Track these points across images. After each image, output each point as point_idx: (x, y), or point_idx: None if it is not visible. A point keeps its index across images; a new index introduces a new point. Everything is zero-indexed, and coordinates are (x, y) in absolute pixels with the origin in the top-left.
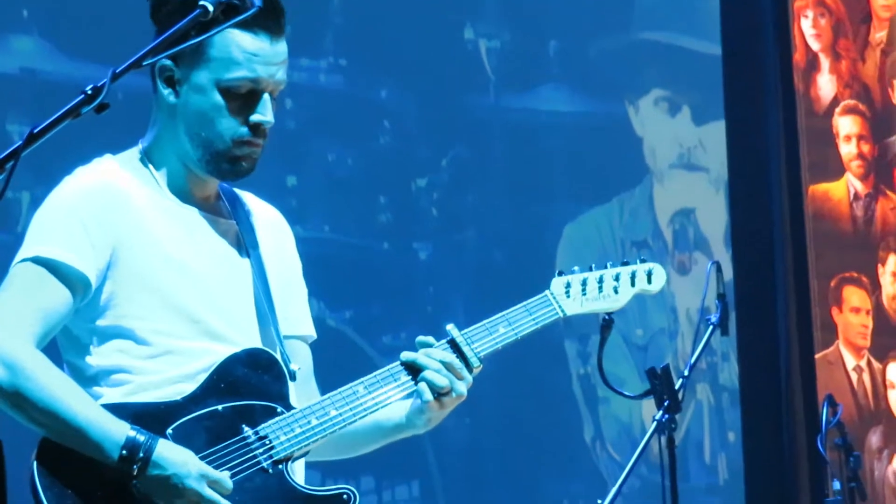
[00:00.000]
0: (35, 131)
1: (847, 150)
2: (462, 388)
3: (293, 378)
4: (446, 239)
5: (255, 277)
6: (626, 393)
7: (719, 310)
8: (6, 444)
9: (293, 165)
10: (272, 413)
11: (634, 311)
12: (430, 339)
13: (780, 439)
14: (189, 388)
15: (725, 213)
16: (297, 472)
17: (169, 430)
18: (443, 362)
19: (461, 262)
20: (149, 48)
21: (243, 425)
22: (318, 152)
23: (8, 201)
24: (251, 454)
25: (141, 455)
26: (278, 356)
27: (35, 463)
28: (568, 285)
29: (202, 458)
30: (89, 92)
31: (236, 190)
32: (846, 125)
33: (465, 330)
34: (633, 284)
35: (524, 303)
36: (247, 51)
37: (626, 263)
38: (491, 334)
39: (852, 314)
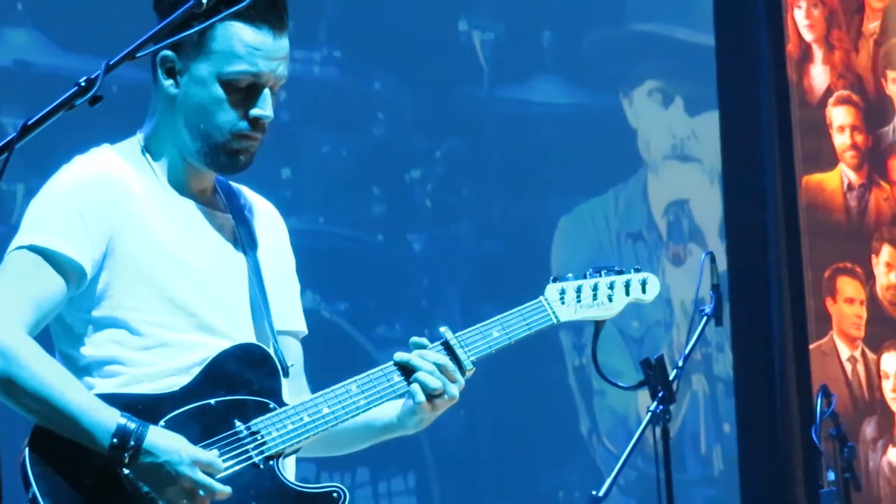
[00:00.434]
0: (29, 123)
1: (841, 140)
2: (454, 390)
3: (287, 374)
4: (441, 231)
5: (251, 272)
6: (621, 384)
7: (713, 300)
8: None
9: (287, 157)
10: (264, 409)
11: (630, 304)
12: (424, 340)
13: (775, 430)
14: (182, 381)
15: (719, 203)
16: (289, 469)
17: (161, 423)
18: (436, 364)
19: (455, 253)
20: (142, 40)
21: (235, 420)
22: (312, 144)
23: (2, 193)
24: (242, 449)
25: (132, 443)
26: (272, 351)
27: (27, 450)
28: (562, 292)
29: None
30: (83, 84)
31: (232, 183)
32: (840, 116)
33: (459, 333)
34: (627, 293)
35: (519, 308)
36: (249, 44)
37: (620, 272)
38: (485, 338)
39: (846, 305)
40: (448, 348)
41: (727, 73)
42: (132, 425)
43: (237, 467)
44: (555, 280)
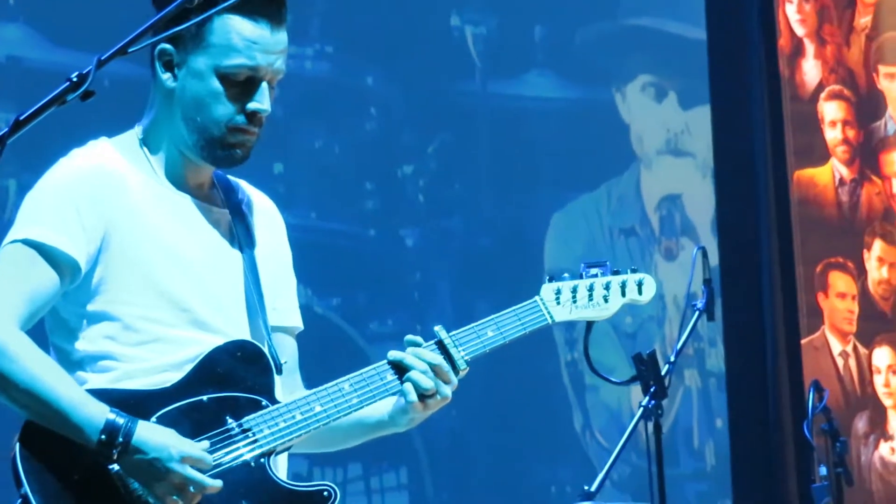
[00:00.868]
0: (21, 119)
1: (832, 135)
2: (447, 390)
3: (280, 371)
4: (433, 226)
5: (246, 268)
6: (612, 379)
7: (705, 295)
8: None
9: (280, 152)
10: (257, 406)
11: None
12: (419, 338)
13: (767, 425)
14: (175, 377)
15: (712, 198)
16: (280, 466)
17: (153, 419)
18: (430, 364)
19: (448, 248)
20: (134, 35)
21: (227, 417)
22: (304, 139)
23: None
24: (234, 446)
25: (120, 439)
26: (266, 349)
27: (18, 446)
28: (558, 291)
29: None
30: (74, 79)
31: (230, 178)
32: (831, 110)
33: (454, 332)
34: (623, 294)
35: (514, 307)
36: (247, 38)
37: (616, 272)
38: (479, 337)
39: (838, 299)
40: (442, 347)
41: (719, 68)
42: (121, 421)
43: (228, 465)
44: (550, 279)
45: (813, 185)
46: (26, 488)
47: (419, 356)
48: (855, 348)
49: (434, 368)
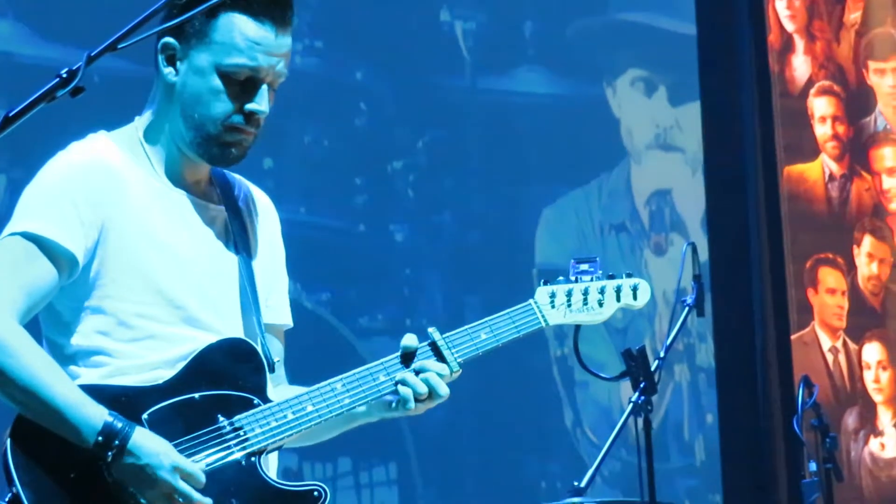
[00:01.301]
0: (10, 115)
1: (822, 131)
2: (444, 390)
3: (273, 370)
4: (423, 221)
5: (241, 266)
6: (602, 375)
7: (695, 291)
8: None
9: (269, 147)
10: (248, 405)
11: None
12: (414, 339)
13: (757, 420)
14: (167, 374)
15: (702, 194)
16: (271, 464)
17: (144, 416)
18: (440, 375)
19: (437, 244)
20: (124, 31)
21: (219, 415)
22: (294, 134)
23: None
24: (224, 445)
25: (116, 443)
26: (259, 347)
27: (9, 441)
28: (553, 295)
29: (176, 446)
30: (64, 75)
31: (227, 173)
32: (821, 106)
33: (447, 334)
34: (618, 299)
35: (508, 310)
36: (250, 38)
37: (611, 276)
38: (472, 339)
39: (828, 295)
40: (435, 349)
41: (709, 64)
42: (119, 424)
43: (219, 463)
44: (545, 282)
45: (803, 181)
46: (17, 483)
47: (427, 380)
48: (845, 344)
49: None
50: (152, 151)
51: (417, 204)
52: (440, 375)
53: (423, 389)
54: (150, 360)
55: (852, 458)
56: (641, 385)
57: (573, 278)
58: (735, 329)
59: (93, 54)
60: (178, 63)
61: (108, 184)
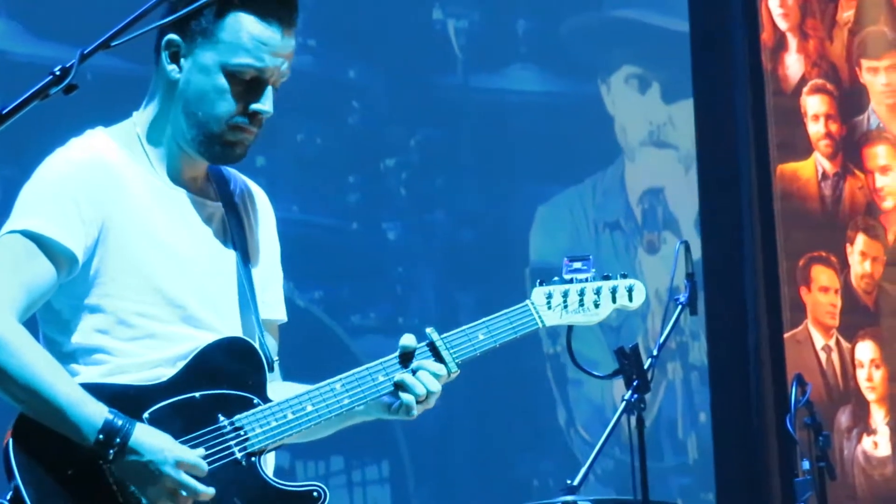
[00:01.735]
0: (3, 112)
1: (815, 129)
2: (436, 387)
3: (272, 369)
4: (415, 219)
5: (239, 264)
6: (595, 373)
7: (688, 289)
8: None
9: (262, 145)
10: (248, 404)
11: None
12: (412, 339)
13: (750, 419)
14: (167, 373)
15: (695, 192)
16: (269, 463)
17: (146, 415)
18: (435, 375)
19: (430, 242)
20: (117, 28)
21: (219, 415)
22: (287, 132)
23: None
24: (225, 444)
25: (118, 440)
26: (258, 346)
27: (11, 439)
28: (549, 296)
29: None
30: (57, 73)
31: (223, 169)
32: (814, 104)
33: (445, 334)
34: (614, 300)
35: (505, 311)
36: (257, 38)
37: (607, 277)
38: (470, 340)
39: (821, 293)
40: (433, 349)
41: (702, 62)
42: (119, 422)
43: (219, 463)
44: (541, 283)
45: (796, 179)
46: (18, 481)
47: (423, 381)
48: (838, 342)
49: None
50: (151, 148)
51: (410, 202)
52: (436, 375)
53: (421, 391)
54: (150, 359)
55: (845, 457)
56: (634, 383)
57: (567, 277)
58: (728, 327)
59: (86, 52)
60: (181, 60)
61: (108, 181)
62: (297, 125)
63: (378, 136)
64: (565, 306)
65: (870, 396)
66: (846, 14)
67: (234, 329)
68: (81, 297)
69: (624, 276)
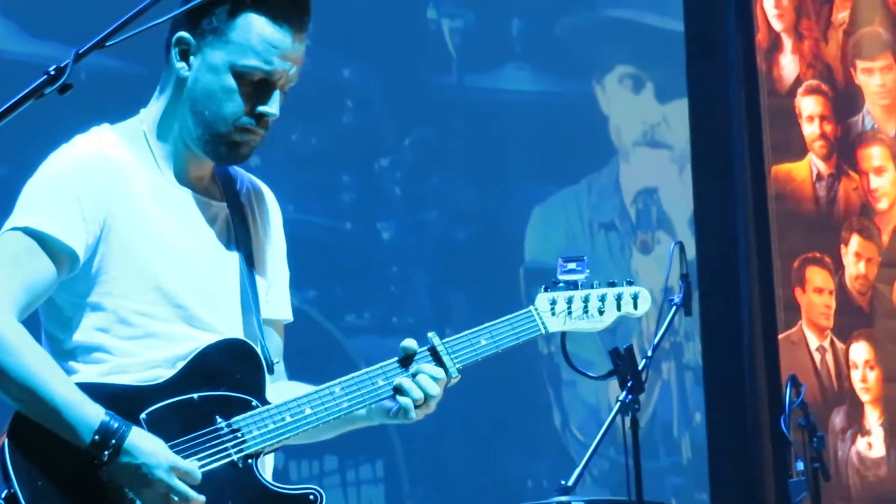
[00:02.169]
0: None
1: (810, 130)
2: (435, 390)
3: (272, 371)
4: (409, 219)
5: (242, 265)
6: (590, 374)
7: (683, 290)
8: None
9: None
10: (247, 406)
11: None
12: (413, 343)
13: (744, 420)
14: (166, 373)
15: (689, 192)
16: (267, 466)
17: (143, 415)
18: (433, 378)
19: (424, 242)
20: (112, 28)
21: (217, 416)
22: (281, 132)
23: None
24: (222, 447)
25: (113, 442)
26: (258, 348)
27: (6, 439)
28: (553, 302)
29: (173, 447)
30: (52, 72)
31: (230, 167)
32: (809, 105)
33: (447, 339)
34: (618, 308)
35: (508, 316)
36: (267, 41)
37: (612, 284)
38: (472, 345)
39: (815, 294)
40: (434, 354)
41: (696, 62)
42: (115, 424)
43: (216, 465)
44: (546, 289)
45: (790, 180)
46: (14, 482)
47: (422, 385)
48: (832, 343)
49: (436, 383)
50: (157, 146)
51: (404, 202)
52: (435, 379)
53: (419, 395)
54: (150, 359)
55: (839, 458)
56: (629, 384)
57: (562, 278)
58: (722, 328)
59: (81, 51)
60: (191, 58)
61: (112, 179)
62: (292, 125)
63: (372, 136)
64: (569, 313)
65: (864, 397)
66: (841, 15)
67: (234, 330)
68: (83, 294)
69: (630, 284)
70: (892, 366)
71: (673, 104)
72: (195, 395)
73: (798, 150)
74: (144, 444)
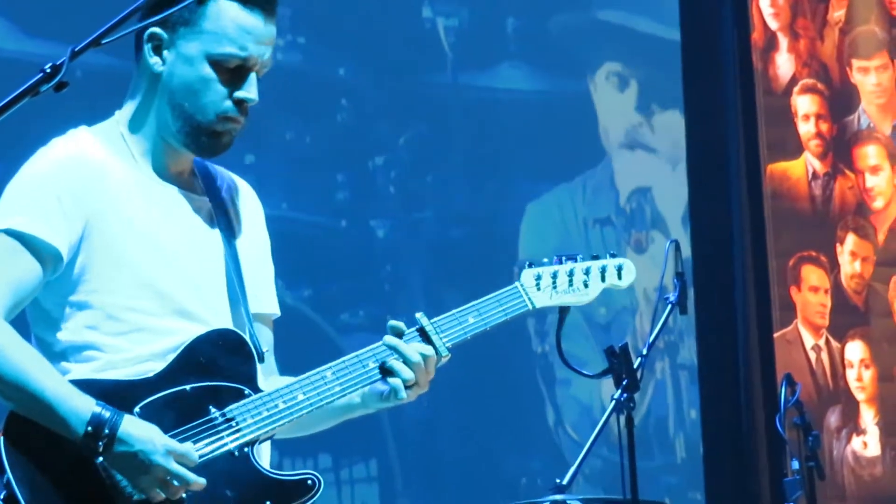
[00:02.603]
0: None
1: (805, 129)
2: (416, 358)
3: (262, 360)
4: (404, 217)
5: (227, 257)
6: (584, 372)
7: (677, 288)
8: None
9: (251, 143)
10: (240, 395)
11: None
12: (402, 324)
13: (739, 419)
14: (158, 366)
15: (683, 191)
16: (263, 455)
17: (136, 409)
18: (423, 356)
19: (419, 240)
20: (108, 25)
21: (210, 406)
22: (276, 130)
23: None
24: (217, 436)
25: (106, 431)
26: (247, 337)
27: (1, 437)
28: (538, 277)
29: None
30: (48, 70)
31: (210, 164)
32: (804, 104)
33: (435, 319)
34: (603, 279)
35: (494, 294)
36: (241, 26)
37: (596, 257)
38: (460, 324)
39: (811, 293)
40: (423, 334)
41: (692, 61)
42: (107, 414)
43: (212, 454)
44: (530, 265)
45: (786, 179)
46: (11, 480)
47: (407, 357)
48: (827, 342)
49: (426, 360)
50: (135, 144)
51: (399, 200)
52: (424, 356)
53: (409, 375)
54: (140, 353)
55: (834, 457)
56: (624, 382)
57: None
58: (717, 327)
59: (77, 49)
60: (164, 52)
61: (92, 178)
62: (286, 123)
63: (367, 134)
64: (555, 287)
65: (859, 396)
66: (837, 14)
67: (223, 321)
68: (68, 294)
69: (612, 256)
70: (887, 365)
71: (667, 103)
72: (187, 387)
73: (794, 148)
74: (139, 431)
